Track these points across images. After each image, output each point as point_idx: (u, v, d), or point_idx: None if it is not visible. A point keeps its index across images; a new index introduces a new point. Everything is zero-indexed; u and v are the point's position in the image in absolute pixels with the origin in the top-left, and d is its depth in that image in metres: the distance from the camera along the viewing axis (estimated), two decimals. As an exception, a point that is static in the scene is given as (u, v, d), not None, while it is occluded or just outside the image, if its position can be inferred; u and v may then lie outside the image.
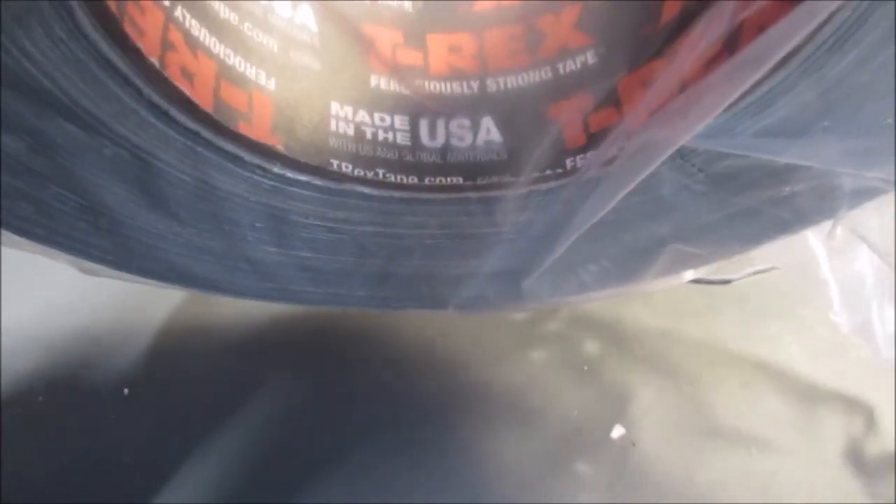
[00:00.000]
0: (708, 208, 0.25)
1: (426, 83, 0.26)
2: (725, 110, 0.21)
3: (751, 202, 0.25)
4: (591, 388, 0.28)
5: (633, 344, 0.29)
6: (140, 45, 0.18)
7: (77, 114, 0.19)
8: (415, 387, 0.28)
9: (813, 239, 0.26)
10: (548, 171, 0.24)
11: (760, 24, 0.20)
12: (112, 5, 0.17)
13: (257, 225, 0.25)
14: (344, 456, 0.26)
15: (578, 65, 0.25)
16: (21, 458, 0.26)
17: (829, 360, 0.28)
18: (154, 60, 0.18)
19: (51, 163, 0.20)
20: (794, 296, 0.30)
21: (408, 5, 0.27)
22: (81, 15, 0.17)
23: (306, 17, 0.25)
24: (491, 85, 0.26)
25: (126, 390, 0.28)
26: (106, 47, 0.17)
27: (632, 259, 0.27)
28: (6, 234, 0.24)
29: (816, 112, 0.20)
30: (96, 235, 0.24)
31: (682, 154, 0.23)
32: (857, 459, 0.25)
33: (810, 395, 0.27)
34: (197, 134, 0.20)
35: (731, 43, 0.21)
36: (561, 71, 0.25)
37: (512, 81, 0.26)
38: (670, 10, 0.23)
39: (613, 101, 0.23)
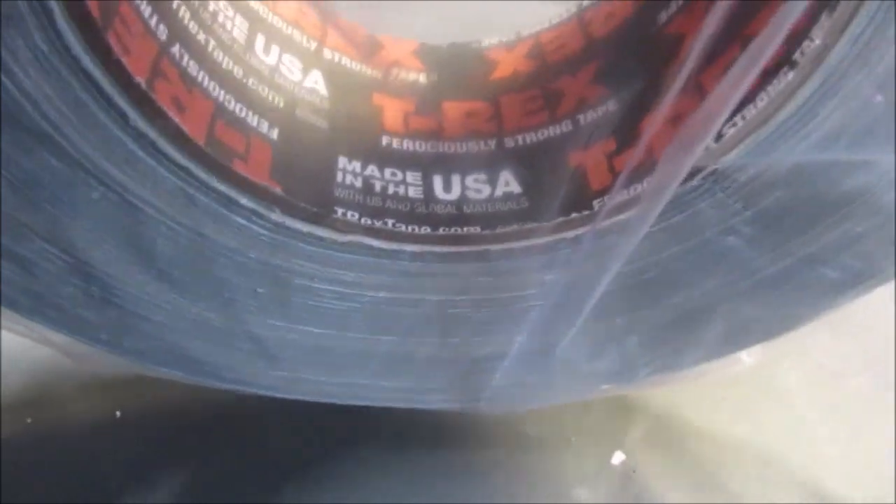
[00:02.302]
0: (761, 257, 0.22)
1: (441, 144, 0.24)
2: (761, 125, 0.19)
3: (810, 249, 0.22)
4: (590, 414, 0.27)
5: None
6: (125, 60, 0.17)
7: (60, 144, 0.18)
8: (409, 412, 0.27)
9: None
10: (574, 215, 0.21)
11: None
12: (95, 10, 0.16)
13: (259, 290, 0.22)
14: (337, 478, 0.26)
15: (600, 113, 0.24)
16: (9, 482, 0.25)
17: (827, 388, 0.28)
18: (140, 81, 0.17)
19: (34, 208, 0.19)
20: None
21: (422, 77, 0.27)
22: (63, 23, 0.16)
23: (317, 82, 0.25)
24: (509, 142, 0.24)
25: (118, 413, 0.27)
26: (88, 62, 0.16)
27: (678, 327, 0.24)
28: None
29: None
30: (88, 306, 0.22)
31: (723, 187, 0.21)
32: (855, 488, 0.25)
33: (810, 424, 0.27)
34: (188, 171, 0.19)
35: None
36: (582, 122, 0.24)
37: (531, 137, 0.24)
38: (686, 47, 0.22)
39: (639, 140, 0.22)
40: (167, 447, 0.27)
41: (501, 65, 0.27)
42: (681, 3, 0.23)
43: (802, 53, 0.18)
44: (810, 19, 0.18)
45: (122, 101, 0.17)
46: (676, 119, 0.21)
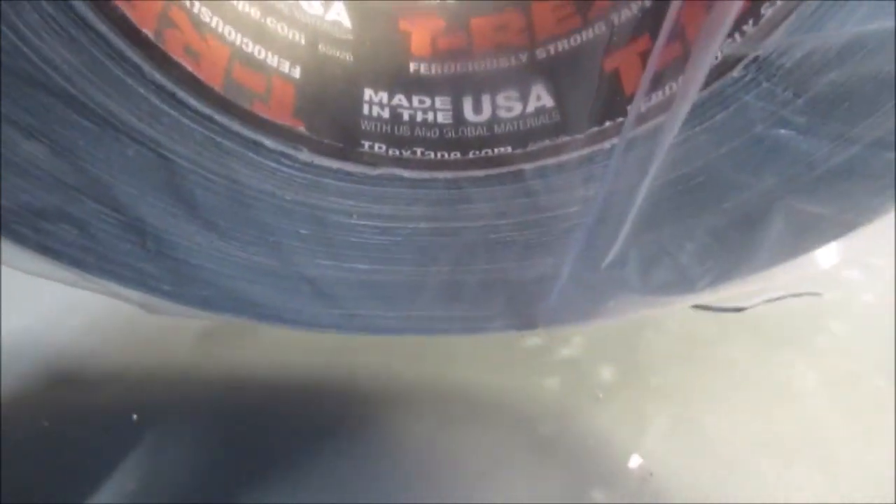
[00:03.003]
0: (821, 148, 0.20)
1: (470, 63, 0.24)
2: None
3: (877, 132, 0.20)
4: (606, 417, 0.27)
5: (647, 372, 0.28)
6: (129, 14, 0.17)
7: (87, 105, 0.18)
8: (425, 415, 0.27)
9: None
10: (608, 123, 0.20)
11: None
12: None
13: (301, 231, 0.23)
14: (340, 478, 0.26)
15: (635, 10, 0.22)
16: (25, 484, 0.25)
17: (843, 389, 0.27)
18: (148, 32, 0.18)
19: (77, 171, 0.20)
20: (808, 323, 0.30)
21: (450, -2, 0.26)
22: (63, -18, 0.16)
23: (339, 14, 0.24)
24: (540, 53, 0.23)
25: (135, 416, 0.28)
26: (93, 18, 0.17)
27: (737, 230, 0.22)
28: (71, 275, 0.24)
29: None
30: (146, 260, 0.23)
31: (768, 75, 0.19)
32: (874, 489, 0.24)
33: (825, 424, 0.26)
34: (211, 119, 0.19)
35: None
36: (616, 22, 0.22)
37: (563, 45, 0.23)
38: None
39: (677, 35, 0.20)
40: (183, 452, 0.27)
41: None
42: None
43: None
44: None
45: (133, 55, 0.18)
46: (711, 4, 0.19)
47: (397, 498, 0.25)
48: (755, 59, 0.18)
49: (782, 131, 0.20)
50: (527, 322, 0.26)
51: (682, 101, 0.18)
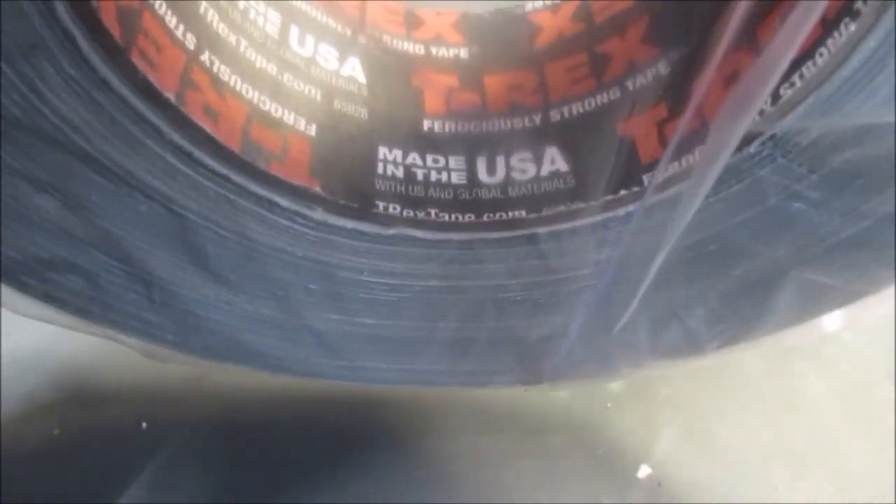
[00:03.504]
0: (832, 221, 0.20)
1: (484, 123, 0.24)
2: (821, 84, 0.17)
3: (887, 208, 0.20)
4: (616, 427, 0.27)
5: (657, 381, 0.28)
6: (152, 78, 0.17)
7: (102, 163, 0.18)
8: (435, 425, 0.27)
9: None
10: (623, 192, 0.20)
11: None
12: (116, 31, 0.16)
13: (311, 287, 0.23)
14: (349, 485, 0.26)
15: (650, 77, 0.22)
16: (32, 493, 0.25)
17: (853, 398, 0.27)
18: (170, 95, 0.17)
19: (88, 225, 0.20)
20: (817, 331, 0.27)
21: (463, 52, 0.26)
22: (87, 47, 0.16)
23: (354, 69, 0.24)
24: (554, 115, 0.23)
25: (144, 424, 0.28)
26: (116, 82, 0.17)
27: (747, 297, 0.22)
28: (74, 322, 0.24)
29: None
30: (151, 310, 0.23)
31: (784, 151, 0.19)
32: (882, 497, 0.24)
33: (836, 435, 0.26)
34: (227, 178, 0.19)
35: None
36: (630, 87, 0.22)
37: (577, 108, 0.23)
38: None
39: (696, 108, 0.20)
40: (191, 461, 0.27)
41: (546, 30, 0.26)
42: (733, -51, 0.21)
43: (865, 2, 0.16)
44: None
45: (153, 117, 0.17)
46: (730, 79, 0.20)
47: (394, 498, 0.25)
48: (771, 137, 0.18)
49: (795, 204, 0.20)
50: (533, 377, 0.26)
51: (706, 174, 0.18)
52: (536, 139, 0.23)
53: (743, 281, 0.22)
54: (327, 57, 0.24)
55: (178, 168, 0.19)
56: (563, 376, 0.26)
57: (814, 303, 0.23)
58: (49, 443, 0.27)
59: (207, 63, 0.19)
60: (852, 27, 0.16)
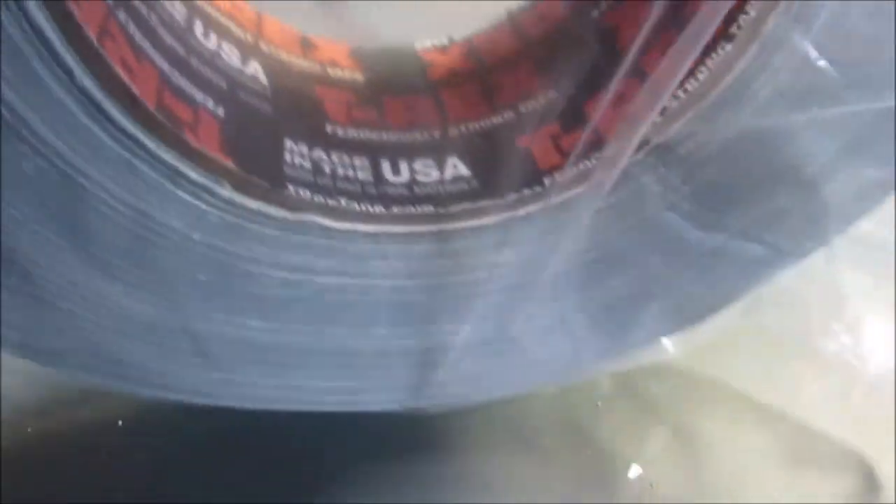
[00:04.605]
0: (696, 233, 0.23)
1: (384, 133, 0.24)
2: (701, 98, 0.20)
3: (740, 223, 0.23)
4: (606, 427, 0.27)
5: (648, 381, 0.28)
6: (72, 7, 0.16)
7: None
8: (422, 425, 0.27)
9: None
10: (525, 191, 0.22)
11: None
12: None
13: (199, 277, 0.21)
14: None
15: (541, 102, 0.24)
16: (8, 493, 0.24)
17: (847, 398, 0.27)
18: (91, 34, 0.16)
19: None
20: (814, 332, 0.29)
21: (358, 75, 0.27)
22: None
23: (256, 71, 0.24)
24: (453, 131, 0.25)
25: (120, 422, 0.27)
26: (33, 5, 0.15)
27: (619, 310, 0.24)
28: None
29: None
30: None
31: (665, 162, 0.22)
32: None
33: (833, 436, 0.26)
34: (135, 140, 0.18)
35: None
36: (523, 110, 0.25)
37: (474, 126, 0.25)
38: (629, 37, 0.23)
39: (583, 122, 0.22)
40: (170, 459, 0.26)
41: (437, 66, 0.28)
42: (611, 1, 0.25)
43: (739, 27, 0.19)
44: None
45: (67, 54, 0.16)
46: (620, 100, 0.22)
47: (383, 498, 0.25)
48: (656, 146, 0.21)
49: (669, 214, 0.22)
50: (414, 397, 0.26)
51: (603, 179, 0.20)
52: (437, 149, 0.24)
53: (617, 291, 0.24)
54: (230, 54, 0.24)
55: (81, 122, 0.17)
56: (444, 396, 0.26)
57: (675, 316, 0.25)
58: (49, 443, 0.27)
59: (123, 21, 0.19)
60: (728, 48, 0.19)
